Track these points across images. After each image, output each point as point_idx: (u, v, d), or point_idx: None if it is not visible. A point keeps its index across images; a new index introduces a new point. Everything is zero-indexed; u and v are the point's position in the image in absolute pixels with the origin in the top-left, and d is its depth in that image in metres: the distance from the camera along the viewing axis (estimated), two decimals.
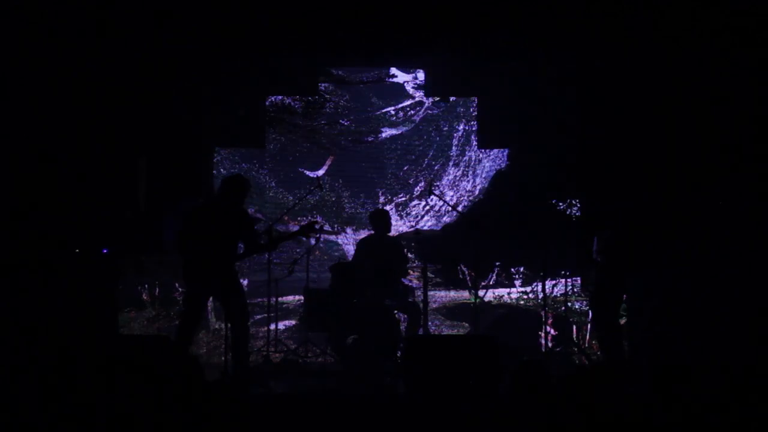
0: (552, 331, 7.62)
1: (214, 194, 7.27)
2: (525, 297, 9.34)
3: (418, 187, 10.08)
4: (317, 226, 7.34)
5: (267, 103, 10.00)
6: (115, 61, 8.63)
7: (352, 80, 10.11)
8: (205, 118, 9.50)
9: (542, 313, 8.43)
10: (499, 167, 10.06)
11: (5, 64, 7.95)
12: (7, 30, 7.83)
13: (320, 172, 9.97)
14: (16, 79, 8.14)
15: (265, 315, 8.73)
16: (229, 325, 7.04)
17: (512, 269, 9.74)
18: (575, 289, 9.15)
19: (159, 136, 9.33)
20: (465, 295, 9.33)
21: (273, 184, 10.04)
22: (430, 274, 8.77)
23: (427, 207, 10.03)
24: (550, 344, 8.32)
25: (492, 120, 9.87)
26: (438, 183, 10.04)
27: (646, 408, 3.81)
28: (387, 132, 10.13)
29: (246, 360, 7.05)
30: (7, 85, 8.09)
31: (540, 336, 8.97)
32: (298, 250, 9.67)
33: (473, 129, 10.09)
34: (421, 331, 8.30)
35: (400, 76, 10.11)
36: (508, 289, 9.54)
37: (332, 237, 9.80)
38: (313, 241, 9.06)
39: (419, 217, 10.03)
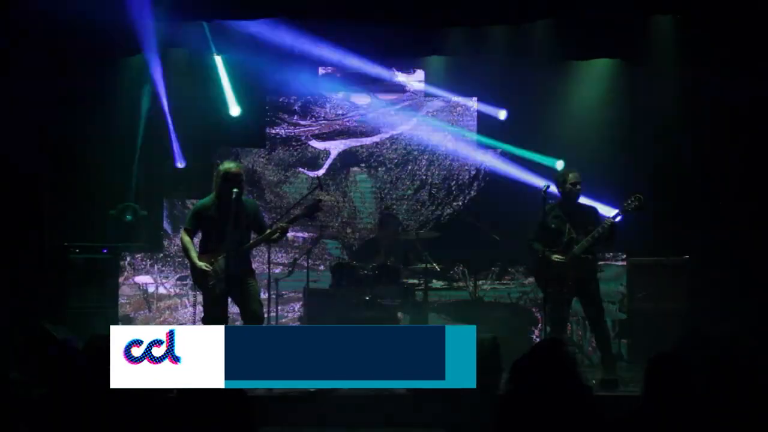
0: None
1: (216, 188, 7.15)
2: (524, 296, 9.33)
3: (418, 187, 10.07)
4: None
5: (266, 103, 10.02)
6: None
7: (352, 80, 10.09)
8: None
9: (541, 312, 8.42)
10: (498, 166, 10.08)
11: None
12: None
13: (320, 172, 9.96)
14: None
15: (265, 315, 8.70)
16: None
17: (509, 269, 9.74)
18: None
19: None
20: (465, 294, 9.32)
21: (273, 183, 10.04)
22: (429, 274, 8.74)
23: (428, 206, 10.01)
24: None
25: (491, 120, 9.89)
26: (438, 182, 10.02)
27: None
28: (387, 131, 10.12)
29: None
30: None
31: (535, 334, 8.98)
32: (298, 251, 9.67)
33: (473, 129, 10.08)
34: None
35: (401, 76, 10.09)
36: (507, 288, 9.53)
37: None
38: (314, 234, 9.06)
39: (419, 217, 10.01)
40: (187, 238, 7.13)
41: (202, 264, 7.00)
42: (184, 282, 9.45)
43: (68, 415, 3.84)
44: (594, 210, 7.47)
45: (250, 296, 7.06)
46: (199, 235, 7.23)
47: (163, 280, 9.61)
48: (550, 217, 7.36)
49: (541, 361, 3.68)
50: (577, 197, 7.39)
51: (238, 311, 7.19)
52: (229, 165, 7.15)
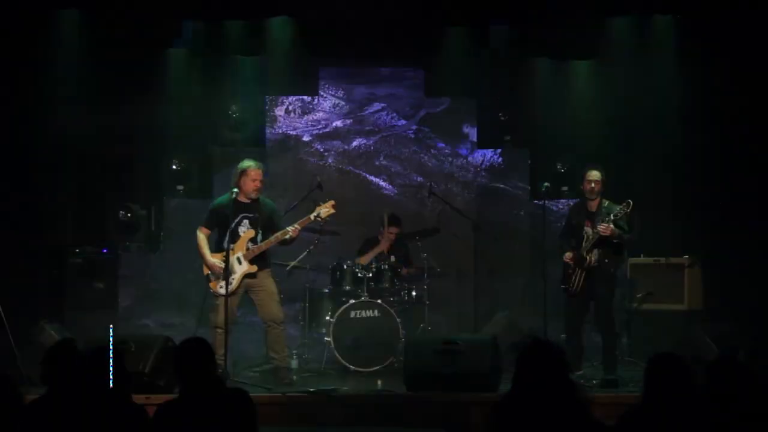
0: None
1: (233, 186, 7.13)
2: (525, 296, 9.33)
3: (418, 187, 10.06)
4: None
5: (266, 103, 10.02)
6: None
7: (351, 80, 10.09)
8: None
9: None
10: (497, 167, 10.07)
11: None
12: None
13: (319, 173, 9.93)
14: None
15: None
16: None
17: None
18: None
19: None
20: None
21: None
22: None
23: (428, 206, 9.98)
24: None
25: (492, 121, 9.88)
26: (438, 182, 10.00)
27: None
28: (387, 131, 10.12)
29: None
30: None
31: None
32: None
33: (473, 129, 10.08)
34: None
35: (400, 76, 10.09)
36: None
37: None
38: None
39: (419, 217, 10.00)
40: (201, 236, 7.19)
41: (215, 261, 7.04)
42: (185, 282, 9.42)
43: (68, 415, 3.84)
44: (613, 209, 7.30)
45: (267, 297, 7.12)
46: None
47: (164, 280, 9.60)
48: (574, 214, 7.42)
49: (528, 362, 3.69)
50: (595, 195, 7.35)
51: (242, 311, 7.23)
52: (248, 164, 7.17)
